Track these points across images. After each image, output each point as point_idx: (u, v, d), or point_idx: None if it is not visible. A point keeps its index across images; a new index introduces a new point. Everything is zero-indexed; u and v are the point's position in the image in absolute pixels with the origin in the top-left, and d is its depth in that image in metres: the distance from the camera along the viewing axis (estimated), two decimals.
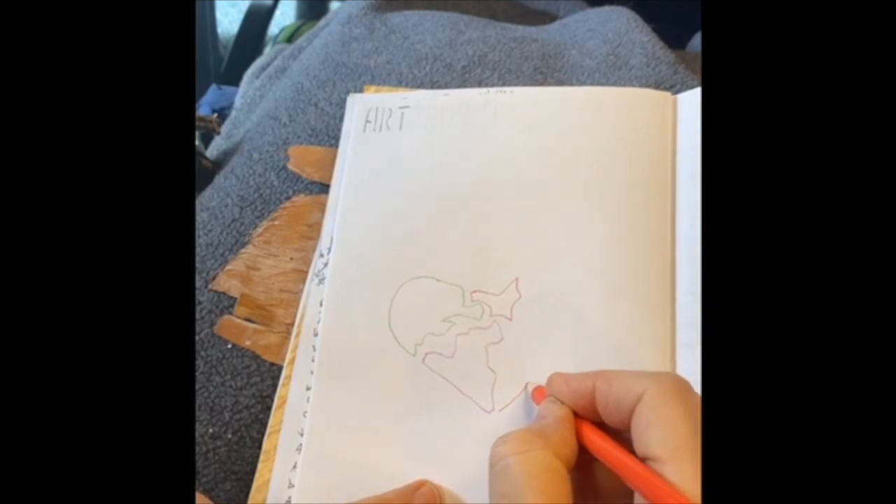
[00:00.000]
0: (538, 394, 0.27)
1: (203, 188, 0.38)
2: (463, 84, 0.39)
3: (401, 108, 0.36)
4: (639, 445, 0.21)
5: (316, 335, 0.31)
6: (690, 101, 0.34)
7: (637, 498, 0.21)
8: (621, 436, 0.23)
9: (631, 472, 0.21)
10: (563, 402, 0.24)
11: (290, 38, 0.69)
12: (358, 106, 0.36)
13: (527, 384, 0.29)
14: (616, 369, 0.24)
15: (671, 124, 0.33)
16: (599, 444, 0.23)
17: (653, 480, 0.20)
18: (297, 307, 0.32)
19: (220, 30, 0.96)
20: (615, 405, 0.22)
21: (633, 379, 0.22)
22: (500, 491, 0.22)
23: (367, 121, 0.36)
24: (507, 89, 0.36)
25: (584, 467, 0.24)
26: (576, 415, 0.24)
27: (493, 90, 0.36)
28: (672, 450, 0.20)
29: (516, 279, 0.31)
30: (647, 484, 0.20)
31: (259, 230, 0.35)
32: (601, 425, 0.24)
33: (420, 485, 0.27)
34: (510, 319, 0.30)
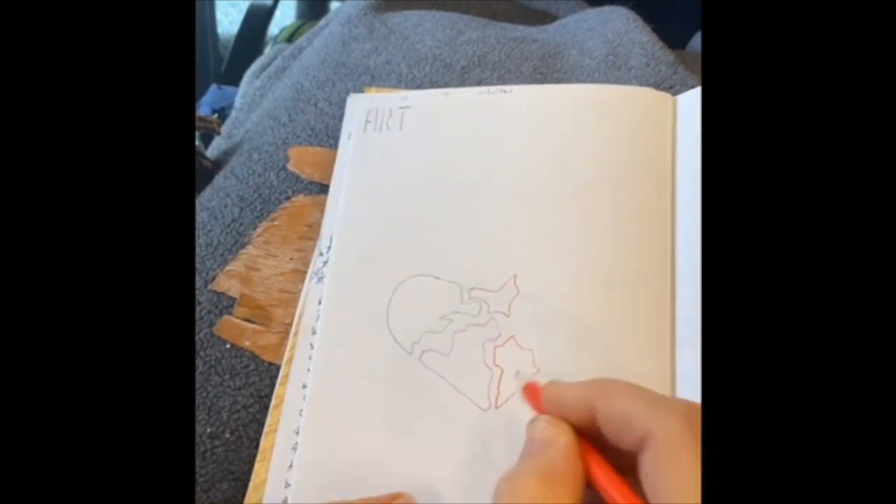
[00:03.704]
0: (531, 392, 0.24)
1: (203, 188, 0.38)
2: (462, 84, 0.39)
3: (401, 108, 0.36)
4: (647, 493, 0.19)
5: (314, 333, 0.31)
6: (690, 102, 0.34)
7: None
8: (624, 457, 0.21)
9: None
10: (564, 423, 0.22)
11: (290, 38, 0.69)
12: (358, 106, 0.37)
13: (517, 371, 0.26)
14: (614, 385, 0.21)
15: (671, 124, 0.33)
16: (606, 486, 0.21)
17: None
18: (296, 307, 0.32)
19: (220, 30, 0.97)
20: (615, 434, 0.21)
21: (636, 412, 0.20)
22: None
23: (368, 121, 0.36)
24: (508, 88, 0.36)
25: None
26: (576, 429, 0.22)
27: (493, 89, 0.36)
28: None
29: (514, 275, 0.31)
30: None
31: (259, 230, 0.35)
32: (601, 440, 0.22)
33: (396, 497, 0.26)
34: (508, 316, 0.30)
